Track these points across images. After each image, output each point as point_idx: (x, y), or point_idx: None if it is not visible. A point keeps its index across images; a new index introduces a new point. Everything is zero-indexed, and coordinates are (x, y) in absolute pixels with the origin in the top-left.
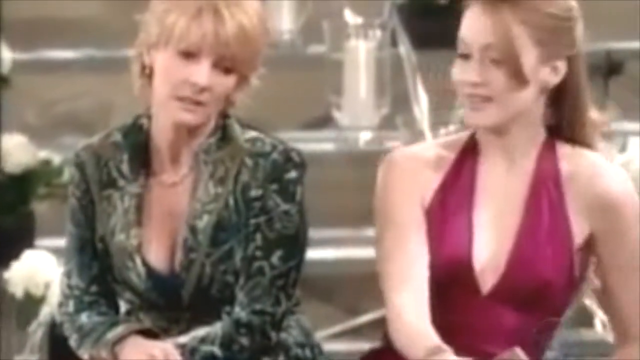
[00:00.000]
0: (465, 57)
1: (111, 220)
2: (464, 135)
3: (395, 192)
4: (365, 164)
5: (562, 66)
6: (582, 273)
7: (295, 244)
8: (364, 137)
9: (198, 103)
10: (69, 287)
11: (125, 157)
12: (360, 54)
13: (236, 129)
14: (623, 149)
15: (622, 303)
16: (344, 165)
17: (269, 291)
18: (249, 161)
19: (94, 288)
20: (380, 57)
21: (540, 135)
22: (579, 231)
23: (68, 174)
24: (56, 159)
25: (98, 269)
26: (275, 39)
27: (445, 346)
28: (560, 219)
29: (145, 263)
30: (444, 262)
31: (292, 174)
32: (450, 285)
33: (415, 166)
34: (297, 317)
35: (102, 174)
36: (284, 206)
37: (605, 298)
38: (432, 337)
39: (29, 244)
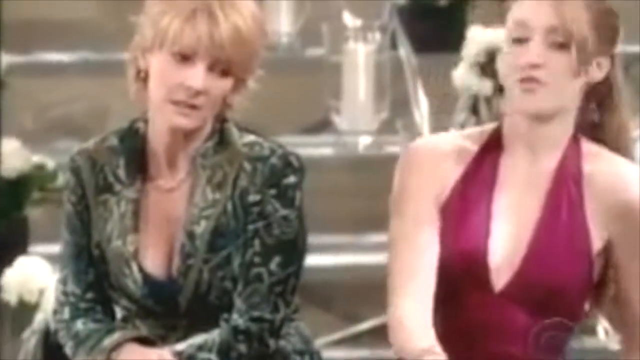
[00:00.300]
0: (521, 41)
1: (107, 226)
2: (488, 128)
3: (411, 184)
4: (364, 169)
5: (605, 63)
6: (600, 279)
7: (294, 249)
8: (364, 141)
9: (193, 107)
10: (65, 293)
11: (122, 161)
12: (360, 57)
13: (234, 132)
14: None
15: (637, 310)
16: (343, 170)
17: (268, 298)
18: (247, 166)
19: (89, 295)
20: (380, 60)
21: (570, 132)
22: (598, 235)
23: (63, 178)
24: (50, 163)
25: (94, 275)
26: (273, 42)
27: (438, 349)
28: (578, 220)
29: (141, 269)
30: (459, 255)
31: (291, 179)
32: (464, 280)
33: (435, 158)
34: (296, 324)
35: (98, 178)
36: (283, 211)
37: (619, 305)
38: (428, 339)
39: (23, 250)
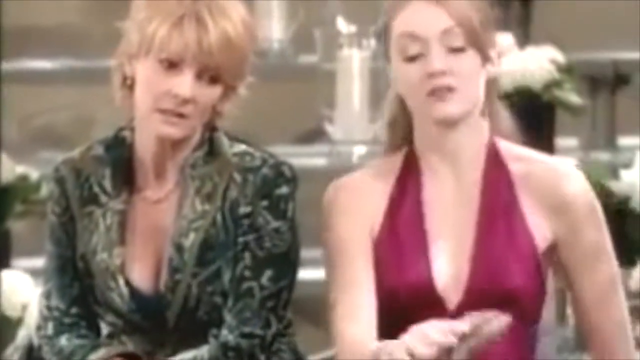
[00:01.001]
0: (416, 58)
1: (92, 238)
2: (400, 154)
3: (341, 222)
4: None
5: (496, 56)
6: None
7: (287, 263)
8: (358, 151)
9: (181, 116)
10: (48, 308)
11: (108, 171)
12: (354, 63)
13: (224, 142)
14: (630, 164)
15: (592, 316)
16: None
17: (259, 313)
18: (237, 176)
19: (74, 310)
20: (375, 67)
21: (486, 136)
22: (541, 235)
23: (46, 189)
24: (34, 174)
25: (79, 289)
26: (265, 48)
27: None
28: (517, 222)
29: (128, 283)
30: (406, 286)
31: (283, 190)
32: (417, 307)
33: (359, 194)
34: (288, 340)
35: (83, 189)
36: (275, 223)
37: (575, 312)
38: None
39: (5, 264)
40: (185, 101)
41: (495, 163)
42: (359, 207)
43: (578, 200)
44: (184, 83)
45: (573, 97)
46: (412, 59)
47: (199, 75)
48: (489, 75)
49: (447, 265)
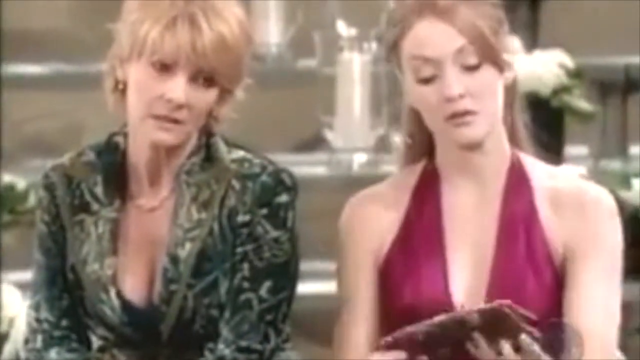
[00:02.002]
0: (430, 80)
1: (83, 248)
2: (418, 166)
3: (350, 243)
4: (360, 189)
5: (511, 59)
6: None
7: (286, 274)
8: (359, 159)
9: (176, 121)
10: (37, 320)
11: (100, 178)
12: (355, 68)
13: (221, 148)
14: None
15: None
16: (337, 191)
17: (257, 326)
18: (236, 183)
19: (64, 322)
20: (377, 71)
21: (507, 150)
22: (559, 245)
23: (35, 198)
24: (21, 183)
25: (69, 301)
26: (262, 53)
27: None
28: (536, 234)
29: (120, 295)
30: (423, 301)
31: (283, 198)
32: None
33: (372, 212)
34: (287, 355)
35: (74, 197)
36: (274, 233)
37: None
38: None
39: None
40: (180, 106)
41: (517, 176)
42: (369, 229)
43: (600, 218)
44: (178, 87)
45: (583, 103)
46: (426, 80)
47: (193, 79)
48: (506, 82)
49: (465, 280)
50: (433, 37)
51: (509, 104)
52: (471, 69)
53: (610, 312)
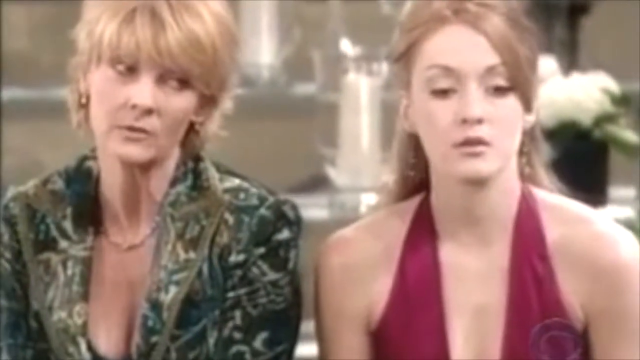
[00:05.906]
0: (446, 93)
1: (49, 292)
2: (412, 202)
3: (333, 295)
4: None
5: (537, 107)
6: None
7: (286, 324)
8: (367, 200)
9: (144, 131)
10: None
11: (69, 210)
12: (362, 93)
13: (212, 174)
14: None
15: None
16: None
17: None
18: (229, 217)
19: None
20: (387, 97)
21: (517, 192)
22: (580, 310)
23: None
24: None
25: (34, 351)
26: (252, 76)
27: None
28: (553, 299)
29: (91, 348)
30: None
31: (284, 234)
32: None
33: (359, 258)
34: None
35: (38, 232)
36: (272, 275)
37: None
38: None
39: None
40: (147, 112)
41: (528, 228)
42: (356, 277)
43: (623, 269)
44: (143, 91)
45: (629, 135)
46: (441, 93)
47: (161, 81)
48: (525, 125)
49: (470, 352)
50: (461, 46)
51: (525, 150)
52: (497, 93)
53: None
